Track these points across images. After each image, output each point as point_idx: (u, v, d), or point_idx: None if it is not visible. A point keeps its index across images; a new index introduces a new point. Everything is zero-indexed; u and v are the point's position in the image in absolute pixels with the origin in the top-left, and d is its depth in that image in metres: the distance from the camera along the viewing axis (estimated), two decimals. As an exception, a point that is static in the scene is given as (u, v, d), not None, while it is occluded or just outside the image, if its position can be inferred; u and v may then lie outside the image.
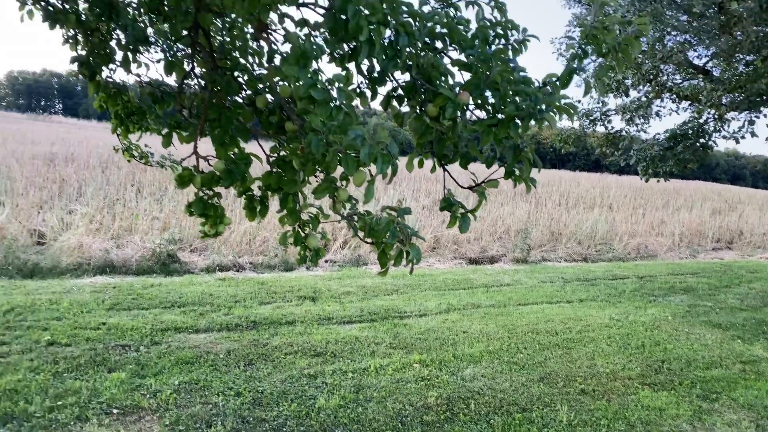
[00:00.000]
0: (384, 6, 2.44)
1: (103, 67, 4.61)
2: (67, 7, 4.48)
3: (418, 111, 2.60)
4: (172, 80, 4.30)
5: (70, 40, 4.81)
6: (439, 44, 2.76)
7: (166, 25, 4.94)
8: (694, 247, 16.44)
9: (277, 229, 11.54)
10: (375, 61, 2.46)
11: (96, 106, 5.05)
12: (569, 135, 11.63)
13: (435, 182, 21.58)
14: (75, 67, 4.50)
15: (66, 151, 21.49)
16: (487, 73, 2.47)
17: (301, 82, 2.25)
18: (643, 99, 10.75)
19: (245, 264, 10.24)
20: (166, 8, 4.77)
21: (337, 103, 2.29)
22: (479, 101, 2.47)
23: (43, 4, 4.68)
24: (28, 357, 5.15)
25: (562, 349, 6.57)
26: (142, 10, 5.00)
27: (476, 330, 7.05)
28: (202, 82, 3.36)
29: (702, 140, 10.10)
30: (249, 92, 3.06)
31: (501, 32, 2.87)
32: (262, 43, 2.86)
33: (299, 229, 3.28)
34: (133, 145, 5.35)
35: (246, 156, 2.93)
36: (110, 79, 4.60)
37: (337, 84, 2.30)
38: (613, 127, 11.03)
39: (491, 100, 2.41)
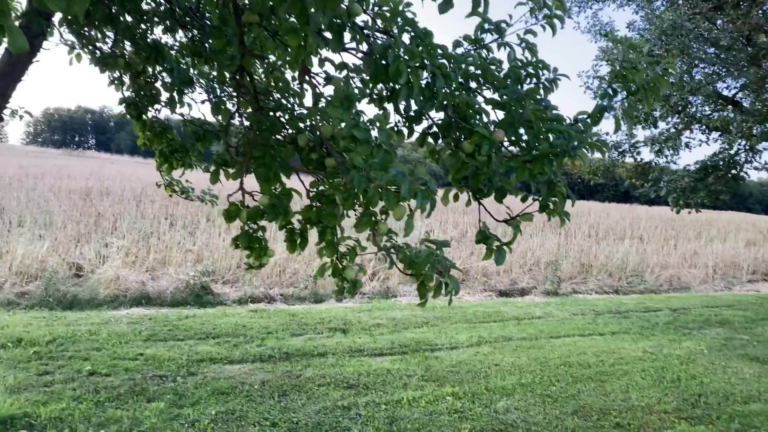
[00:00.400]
0: (421, 50, 2.58)
1: (150, 108, 4.85)
2: (116, 51, 4.74)
3: (453, 148, 2.72)
4: (212, 118, 4.52)
5: (116, 82, 5.08)
6: (473, 84, 2.89)
7: (206, 66, 5.20)
8: (729, 279, 16.12)
9: (306, 261, 11.71)
10: (412, 101, 2.59)
11: (140, 144, 5.28)
12: (598, 167, 11.66)
13: (462, 214, 21.64)
14: (123, 107, 4.75)
15: (101, 186, 22.13)
16: (520, 111, 2.59)
17: (344, 123, 2.39)
18: (672, 130, 10.76)
19: (276, 295, 10.38)
20: (208, 50, 5.03)
21: (378, 141, 2.42)
22: (513, 138, 2.57)
23: (90, 48, 4.96)
24: (70, 386, 5.30)
25: (595, 382, 6.51)
26: (184, 53, 5.27)
27: (508, 363, 7.04)
28: (246, 123, 3.53)
29: (733, 171, 10.04)
30: (291, 131, 3.22)
31: (532, 72, 2.99)
32: (305, 86, 3.02)
33: (337, 261, 3.38)
34: (174, 181, 5.57)
35: (288, 191, 3.07)
36: (155, 119, 4.84)
37: (377, 124, 2.43)
38: (642, 159, 11.04)
39: (525, 138, 2.52)
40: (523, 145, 2.54)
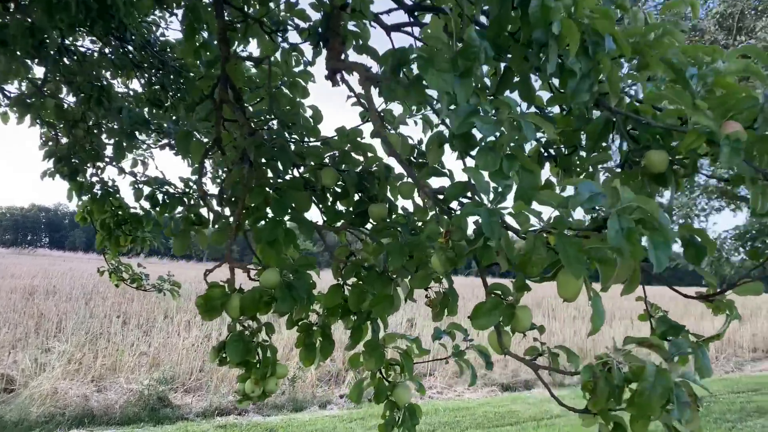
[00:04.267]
0: None
1: (89, 165, 3.60)
2: (46, 90, 3.52)
3: (629, 162, 1.53)
4: (177, 175, 3.26)
5: (50, 143, 3.85)
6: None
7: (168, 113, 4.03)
8: (734, 359, 15.04)
9: (280, 352, 10.15)
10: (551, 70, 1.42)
11: (78, 219, 3.99)
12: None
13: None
14: (51, 163, 3.49)
15: (47, 284, 20.16)
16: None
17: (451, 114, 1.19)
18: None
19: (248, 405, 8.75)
20: (170, 95, 3.89)
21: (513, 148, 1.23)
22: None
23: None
24: None
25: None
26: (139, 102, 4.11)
27: (549, 482, 5.61)
28: (232, 162, 2.30)
29: None
30: (308, 164, 2.00)
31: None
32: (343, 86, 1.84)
33: (382, 376, 2.10)
34: (123, 266, 4.21)
35: (310, 260, 1.80)
36: (96, 179, 3.57)
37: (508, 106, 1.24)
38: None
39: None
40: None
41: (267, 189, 1.89)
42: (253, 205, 1.86)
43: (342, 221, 1.98)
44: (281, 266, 1.72)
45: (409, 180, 1.91)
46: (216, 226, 1.94)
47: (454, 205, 1.47)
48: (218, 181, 2.56)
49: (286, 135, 2.24)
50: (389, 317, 2.00)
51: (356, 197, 1.98)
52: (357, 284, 1.88)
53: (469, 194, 1.37)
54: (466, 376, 10.68)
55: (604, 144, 1.64)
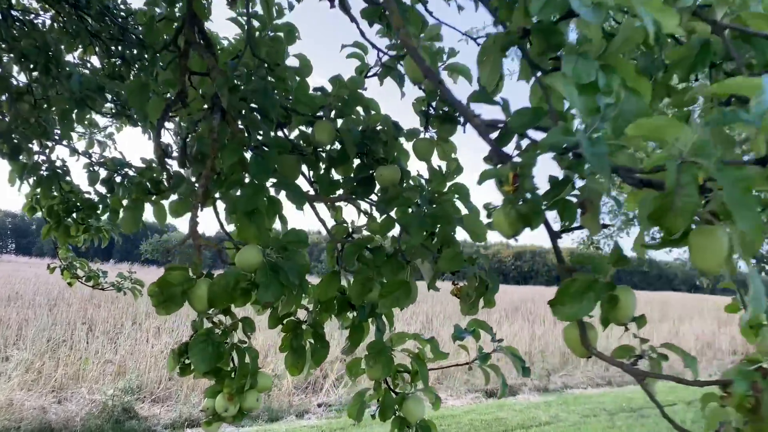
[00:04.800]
0: None
1: (33, 143, 3.13)
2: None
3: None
4: (138, 154, 2.82)
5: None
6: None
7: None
8: (716, 362, 14.94)
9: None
10: None
11: (26, 209, 3.50)
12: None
13: (419, 303, 19.92)
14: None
15: (9, 290, 19.27)
16: None
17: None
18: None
19: (220, 415, 8.23)
20: (132, 71, 3.46)
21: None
22: None
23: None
24: None
25: None
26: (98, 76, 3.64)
27: (546, 496, 5.25)
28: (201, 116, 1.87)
29: None
30: (295, 115, 1.59)
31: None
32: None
33: (388, 387, 1.69)
34: (77, 262, 3.72)
35: (300, 237, 1.38)
36: (43, 159, 3.10)
37: None
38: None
39: None
40: None
41: (244, 147, 1.47)
42: (226, 165, 1.44)
43: (340, 191, 1.57)
44: (263, 243, 1.30)
45: (427, 136, 1.52)
46: (177, 194, 1.52)
47: (508, 149, 1.07)
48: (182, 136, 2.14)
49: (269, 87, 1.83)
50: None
51: (357, 161, 1.58)
52: (361, 270, 1.47)
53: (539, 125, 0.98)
54: (449, 383, 10.29)
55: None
